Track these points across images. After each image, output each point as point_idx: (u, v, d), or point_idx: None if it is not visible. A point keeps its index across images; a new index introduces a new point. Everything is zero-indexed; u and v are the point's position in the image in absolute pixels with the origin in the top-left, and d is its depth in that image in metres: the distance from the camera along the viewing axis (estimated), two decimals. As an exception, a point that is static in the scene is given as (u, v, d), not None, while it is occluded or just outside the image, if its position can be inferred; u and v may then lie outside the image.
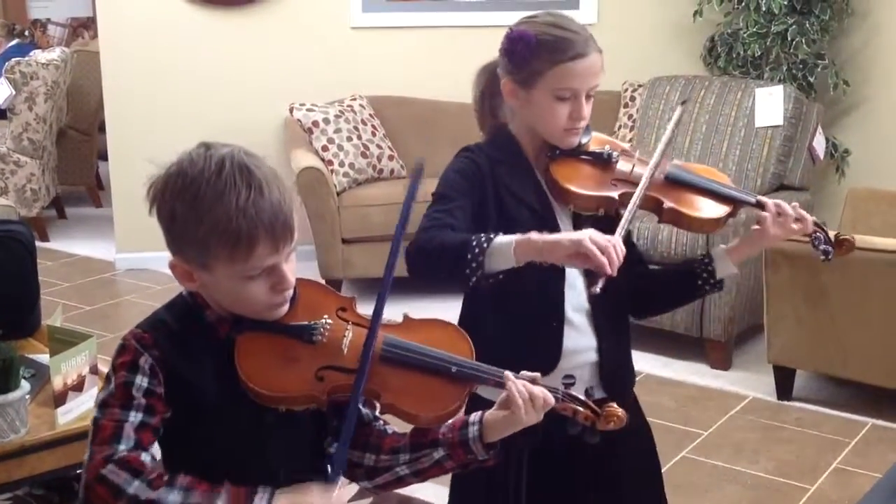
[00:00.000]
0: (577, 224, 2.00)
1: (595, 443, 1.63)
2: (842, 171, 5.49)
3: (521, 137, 2.03)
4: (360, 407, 1.62)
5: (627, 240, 2.10)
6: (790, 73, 5.27)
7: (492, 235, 1.79)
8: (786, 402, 4.04)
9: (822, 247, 2.03)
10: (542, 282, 1.96)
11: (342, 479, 1.51)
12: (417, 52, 5.87)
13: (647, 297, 2.15)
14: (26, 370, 2.48)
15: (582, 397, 1.61)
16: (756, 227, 2.01)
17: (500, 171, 2.00)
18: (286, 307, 1.57)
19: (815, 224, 2.05)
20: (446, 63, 5.82)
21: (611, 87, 5.59)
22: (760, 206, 2.01)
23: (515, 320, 2.00)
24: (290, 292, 1.57)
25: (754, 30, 5.27)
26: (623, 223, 1.91)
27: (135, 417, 1.47)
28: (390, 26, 5.87)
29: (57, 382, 2.36)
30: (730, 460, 3.55)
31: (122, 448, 1.45)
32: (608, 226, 1.89)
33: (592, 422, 1.60)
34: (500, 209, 1.98)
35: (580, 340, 2.01)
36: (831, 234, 2.06)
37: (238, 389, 1.51)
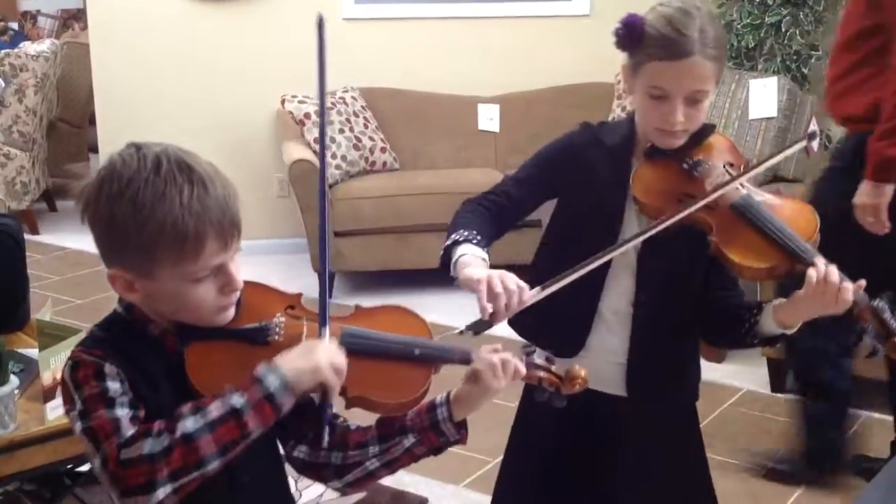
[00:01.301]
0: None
1: (562, 407, 1.62)
2: (836, 163, 5.48)
3: (638, 126, 1.96)
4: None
5: (712, 263, 1.94)
6: (784, 64, 5.26)
7: (463, 239, 1.84)
8: (779, 395, 4.03)
9: (870, 341, 1.78)
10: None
11: (328, 333, 1.48)
12: (410, 44, 5.85)
13: (704, 325, 2.02)
14: (15, 365, 2.47)
15: (544, 363, 1.61)
16: (799, 291, 1.79)
17: (593, 154, 1.94)
18: (233, 310, 1.51)
19: (873, 311, 1.78)
20: (439, 55, 5.81)
21: (604, 80, 5.58)
22: (809, 266, 1.77)
23: (555, 299, 1.95)
24: (238, 294, 1.51)
25: (748, 21, 5.26)
26: (635, 238, 1.86)
27: (122, 412, 1.40)
28: (382, 17, 5.85)
29: (46, 377, 2.35)
30: (723, 453, 3.53)
31: (128, 434, 1.38)
32: (681, 237, 1.85)
33: (557, 387, 1.60)
34: (573, 189, 1.96)
35: (609, 340, 1.98)
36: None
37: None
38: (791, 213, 1.87)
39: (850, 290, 1.76)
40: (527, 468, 2.11)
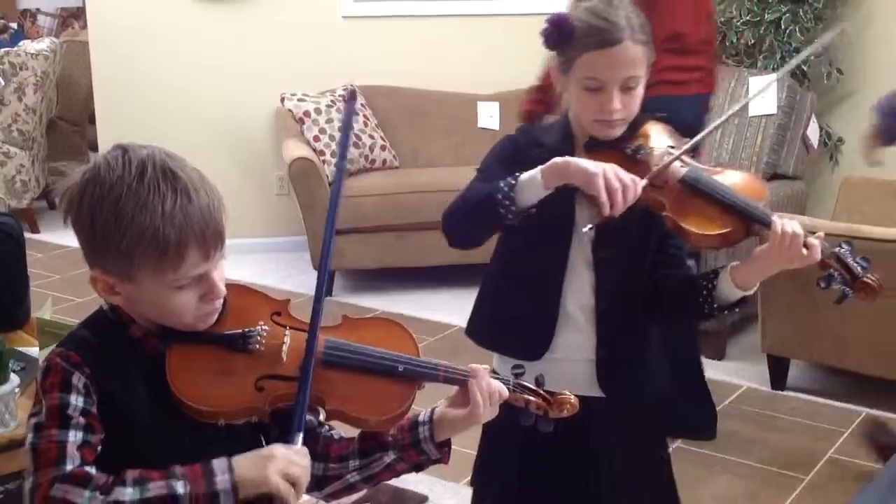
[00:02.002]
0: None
1: (548, 432, 1.58)
2: (835, 160, 5.47)
3: (574, 124, 1.98)
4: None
5: (665, 243, 1.99)
6: (784, 61, 5.25)
7: (517, 174, 1.82)
8: (780, 392, 4.03)
9: (838, 286, 1.78)
10: (544, 269, 1.93)
11: (300, 440, 1.43)
12: (409, 42, 5.85)
13: (654, 301, 2.00)
14: (16, 363, 2.47)
15: (532, 386, 1.58)
16: (760, 247, 1.82)
17: (535, 153, 1.94)
18: (215, 316, 1.49)
19: (836, 257, 1.81)
20: (438, 52, 5.81)
21: (604, 77, 5.58)
22: (768, 225, 1.80)
23: (515, 301, 1.98)
24: (221, 301, 1.48)
25: (747, 18, 5.25)
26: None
27: (75, 437, 1.38)
28: (382, 16, 5.85)
29: (46, 376, 2.34)
30: (723, 450, 3.54)
31: (69, 468, 1.36)
32: (627, 219, 1.85)
33: (544, 411, 1.56)
34: None
35: (576, 337, 1.98)
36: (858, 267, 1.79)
37: (173, 406, 1.43)
38: (738, 180, 1.91)
39: (818, 244, 1.79)
40: (501, 480, 2.09)
